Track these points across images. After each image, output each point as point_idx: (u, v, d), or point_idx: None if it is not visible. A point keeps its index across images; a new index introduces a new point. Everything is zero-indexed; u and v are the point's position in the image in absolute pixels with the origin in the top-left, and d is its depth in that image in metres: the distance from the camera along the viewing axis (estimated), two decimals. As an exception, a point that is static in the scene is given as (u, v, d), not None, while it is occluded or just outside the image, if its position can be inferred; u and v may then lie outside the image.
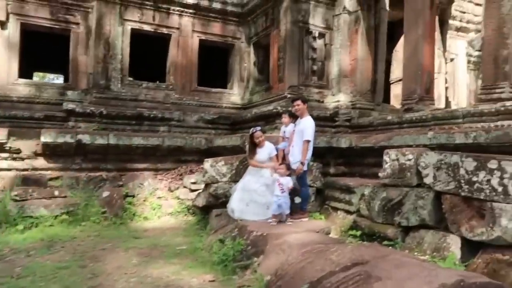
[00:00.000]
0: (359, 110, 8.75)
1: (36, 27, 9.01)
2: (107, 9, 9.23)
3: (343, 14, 9.20)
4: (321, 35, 9.31)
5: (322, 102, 9.22)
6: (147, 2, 9.59)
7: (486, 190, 3.77)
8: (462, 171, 4.02)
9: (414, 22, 7.50)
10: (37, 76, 16.48)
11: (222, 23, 10.61)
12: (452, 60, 11.84)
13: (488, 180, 3.75)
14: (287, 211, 5.07)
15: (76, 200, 6.48)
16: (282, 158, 5.72)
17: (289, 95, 8.80)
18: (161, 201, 7.16)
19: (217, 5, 10.31)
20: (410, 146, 5.95)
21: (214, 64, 12.18)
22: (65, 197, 6.50)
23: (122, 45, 9.46)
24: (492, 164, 3.72)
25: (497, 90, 5.80)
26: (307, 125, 5.53)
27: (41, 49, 9.74)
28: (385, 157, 5.01)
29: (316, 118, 8.51)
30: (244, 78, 10.94)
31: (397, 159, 4.80)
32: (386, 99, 10.29)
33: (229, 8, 10.47)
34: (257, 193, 5.23)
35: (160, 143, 8.22)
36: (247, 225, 4.62)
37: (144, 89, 9.78)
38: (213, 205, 5.97)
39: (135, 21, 9.57)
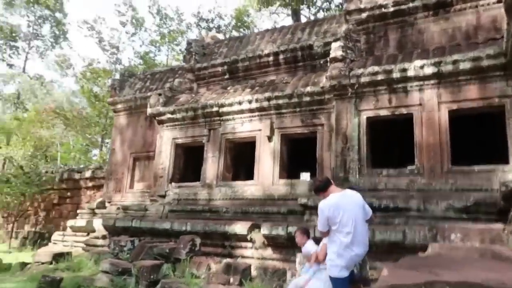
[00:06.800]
0: None
1: (292, 135, 10.61)
2: (343, 105, 9.59)
3: None
4: None
5: None
6: (380, 88, 9.19)
7: None
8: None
9: None
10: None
11: (480, 83, 8.30)
12: None
13: None
14: None
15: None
16: None
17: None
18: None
19: (466, 65, 8.29)
20: None
21: (475, 136, 9.30)
22: None
23: (359, 136, 9.30)
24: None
25: None
26: None
27: (298, 153, 11.15)
28: None
29: None
30: (527, 146, 7.70)
31: None
32: None
33: (485, 62, 8.14)
34: None
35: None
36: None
37: (384, 177, 8.88)
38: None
39: (369, 109, 9.29)
